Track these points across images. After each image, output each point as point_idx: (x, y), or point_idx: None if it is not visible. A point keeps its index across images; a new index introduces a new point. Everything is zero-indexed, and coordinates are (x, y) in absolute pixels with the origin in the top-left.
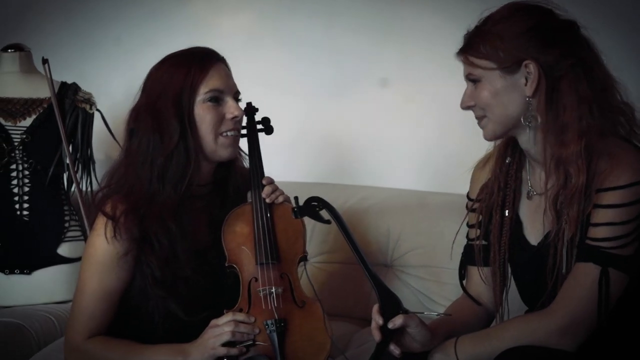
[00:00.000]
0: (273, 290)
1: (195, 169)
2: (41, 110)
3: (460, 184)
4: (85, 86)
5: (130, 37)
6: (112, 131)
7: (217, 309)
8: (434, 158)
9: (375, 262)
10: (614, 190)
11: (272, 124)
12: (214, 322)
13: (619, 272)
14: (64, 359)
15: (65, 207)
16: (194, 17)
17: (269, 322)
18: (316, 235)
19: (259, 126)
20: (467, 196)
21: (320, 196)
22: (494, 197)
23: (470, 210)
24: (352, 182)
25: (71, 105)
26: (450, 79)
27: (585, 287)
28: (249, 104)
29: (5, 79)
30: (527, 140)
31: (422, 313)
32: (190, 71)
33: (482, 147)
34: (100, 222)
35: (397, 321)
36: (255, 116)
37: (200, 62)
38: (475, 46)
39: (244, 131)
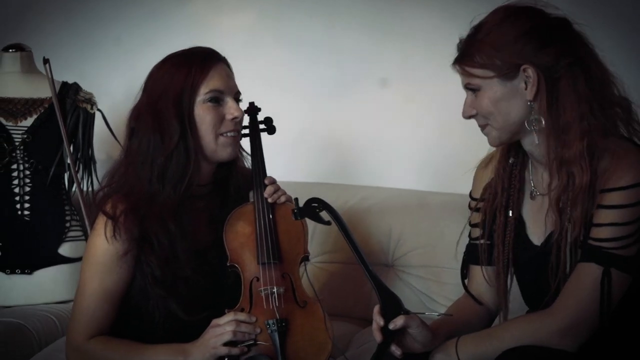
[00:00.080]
0: (275, 290)
1: (195, 169)
2: (42, 110)
3: (461, 184)
4: (85, 86)
5: (130, 36)
6: (113, 131)
7: (217, 308)
8: (434, 158)
9: (376, 262)
10: (616, 191)
11: (273, 123)
12: (215, 321)
13: (621, 272)
14: (65, 359)
15: (66, 207)
16: (194, 17)
17: (270, 321)
18: (317, 235)
19: (262, 126)
20: (470, 195)
21: (321, 196)
22: (497, 198)
23: (474, 209)
24: (353, 182)
25: (72, 105)
26: (450, 79)
27: (587, 288)
28: (251, 104)
29: (6, 78)
30: (531, 142)
31: (423, 313)
32: (191, 71)
33: (483, 146)
34: (101, 221)
35: (398, 322)
36: (258, 116)
37: (201, 62)
38: (470, 56)
39: (246, 131)
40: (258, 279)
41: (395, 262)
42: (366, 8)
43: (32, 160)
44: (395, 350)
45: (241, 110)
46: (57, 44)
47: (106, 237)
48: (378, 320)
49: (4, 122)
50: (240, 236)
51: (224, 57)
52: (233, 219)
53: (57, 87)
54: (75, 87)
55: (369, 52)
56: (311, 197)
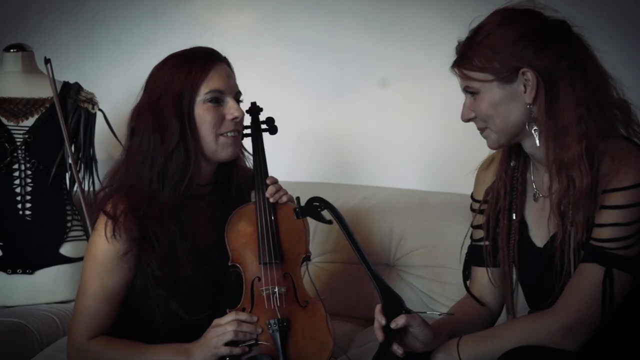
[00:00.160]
0: (276, 289)
1: (196, 169)
2: (43, 110)
3: (462, 184)
4: (86, 86)
5: (130, 36)
6: (114, 131)
7: (218, 308)
8: (435, 158)
9: (377, 262)
10: (618, 192)
11: (275, 123)
12: (216, 321)
13: (623, 272)
14: (66, 359)
15: (68, 207)
16: (195, 16)
17: (272, 321)
18: (318, 235)
19: (263, 126)
20: (472, 197)
21: (323, 196)
22: (500, 201)
23: (478, 211)
24: (354, 182)
25: (73, 105)
26: (452, 79)
27: (589, 288)
28: (253, 104)
29: (7, 78)
30: (531, 145)
31: (425, 313)
32: (191, 71)
33: (484, 146)
34: (101, 221)
35: (399, 321)
36: (260, 116)
37: (201, 62)
38: (469, 59)
39: (248, 131)
40: (259, 279)
41: (396, 262)
42: (367, 8)
43: (33, 160)
44: (397, 349)
45: (241, 110)
46: (58, 43)
47: (106, 237)
48: (380, 319)
49: (5, 122)
50: (242, 236)
51: (225, 57)
52: (234, 218)
53: (59, 87)
54: (77, 87)
55: (370, 51)
56: (312, 196)
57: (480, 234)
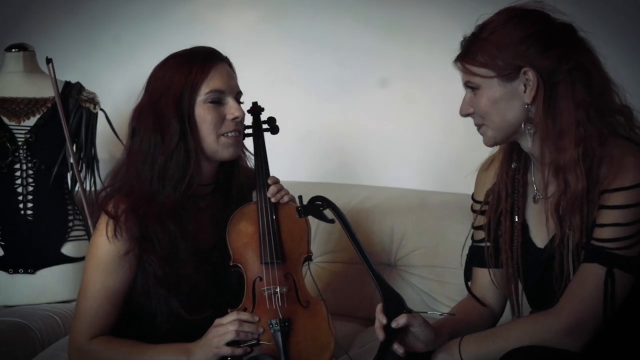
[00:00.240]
0: (277, 289)
1: (196, 169)
2: (45, 110)
3: (463, 184)
4: (87, 85)
5: (131, 36)
6: (116, 130)
7: (220, 308)
8: (437, 158)
9: (378, 262)
10: (619, 191)
11: (277, 123)
12: (218, 321)
13: (624, 273)
14: (67, 358)
15: (69, 207)
16: (195, 16)
17: (273, 321)
18: (320, 234)
19: (265, 126)
20: (472, 198)
21: (324, 196)
22: (501, 203)
23: (479, 212)
24: (355, 182)
25: (75, 105)
26: (454, 78)
27: (590, 288)
28: (254, 104)
29: (9, 78)
30: (528, 145)
31: (426, 312)
32: (192, 71)
33: (486, 147)
34: (103, 221)
35: (400, 320)
36: (261, 116)
37: (201, 62)
38: (472, 54)
39: (249, 131)
40: (261, 279)
41: (397, 262)
42: (368, 7)
43: (35, 160)
44: (398, 348)
45: (242, 110)
46: (58, 43)
47: (108, 236)
48: (380, 318)
49: (7, 121)
50: (243, 236)
51: (226, 57)
52: (236, 218)
53: (60, 87)
54: (78, 87)
55: (371, 51)
56: (315, 195)
57: (481, 234)
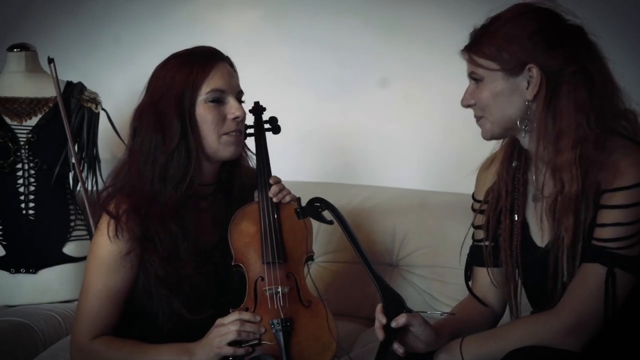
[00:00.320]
0: (279, 289)
1: (197, 168)
2: (47, 110)
3: (464, 184)
4: (88, 85)
5: (131, 35)
6: (118, 130)
7: (221, 308)
8: (438, 157)
9: (380, 262)
10: (619, 191)
11: (278, 123)
12: (219, 321)
13: (625, 272)
14: (69, 358)
15: (71, 207)
16: (196, 16)
17: (275, 321)
18: (321, 234)
19: (266, 125)
20: (473, 197)
21: (325, 196)
22: (501, 201)
23: (478, 211)
24: (356, 182)
25: (77, 105)
26: (455, 78)
27: (591, 288)
28: (256, 103)
29: (11, 78)
30: (525, 142)
31: (426, 312)
32: (193, 71)
33: (487, 146)
34: (104, 221)
35: (400, 320)
36: (263, 115)
37: (202, 61)
38: (480, 46)
39: (251, 130)
40: (263, 279)
41: (399, 262)
42: (369, 7)
43: (36, 160)
44: (398, 348)
45: (243, 109)
46: (58, 43)
47: (109, 236)
48: (380, 318)
49: (8, 121)
50: (245, 236)
51: (227, 57)
52: (237, 218)
53: (62, 87)
54: (80, 87)
55: (371, 51)
56: (314, 196)
57: (481, 234)
